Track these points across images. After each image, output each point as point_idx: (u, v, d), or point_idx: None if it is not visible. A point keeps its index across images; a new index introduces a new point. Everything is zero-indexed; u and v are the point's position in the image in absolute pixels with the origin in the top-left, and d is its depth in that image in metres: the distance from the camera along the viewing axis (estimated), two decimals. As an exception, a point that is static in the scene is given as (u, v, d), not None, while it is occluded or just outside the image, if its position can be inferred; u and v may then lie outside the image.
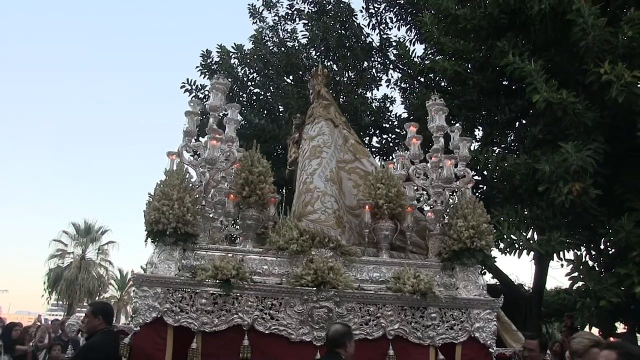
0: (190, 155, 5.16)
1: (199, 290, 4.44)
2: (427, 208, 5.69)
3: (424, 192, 5.73)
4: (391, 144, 12.22)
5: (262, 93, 12.86)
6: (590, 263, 8.73)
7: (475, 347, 4.75)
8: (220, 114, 5.49)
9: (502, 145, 11.83)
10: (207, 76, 12.63)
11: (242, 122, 10.78)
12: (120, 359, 4.42)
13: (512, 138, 11.92)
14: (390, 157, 6.03)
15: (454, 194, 5.48)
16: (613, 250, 8.75)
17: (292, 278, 4.56)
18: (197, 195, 4.75)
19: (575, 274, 8.36)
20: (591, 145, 8.00)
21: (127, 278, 40.78)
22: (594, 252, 9.12)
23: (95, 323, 4.69)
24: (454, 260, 5.00)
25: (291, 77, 13.00)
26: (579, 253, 8.74)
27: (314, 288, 4.51)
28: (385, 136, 12.75)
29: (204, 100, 9.44)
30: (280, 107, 12.43)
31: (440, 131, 5.63)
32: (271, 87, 12.62)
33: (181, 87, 12.47)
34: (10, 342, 7.88)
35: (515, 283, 12.56)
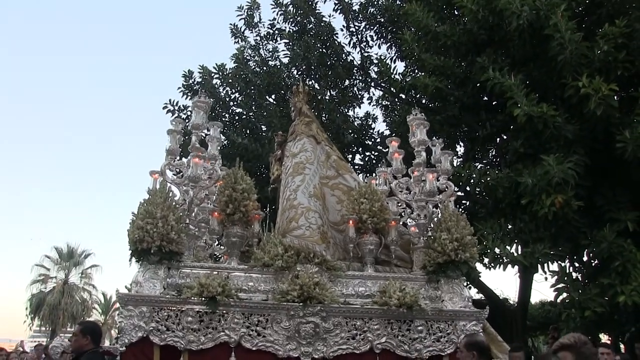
0: (173, 174, 5.16)
1: (185, 309, 4.43)
2: (410, 222, 5.74)
3: (407, 207, 5.77)
4: (374, 161, 12.26)
5: (245, 112, 12.88)
6: (574, 275, 8.82)
7: None
8: (203, 133, 5.51)
9: (484, 161, 11.94)
10: (189, 97, 12.64)
11: (225, 141, 10.80)
12: None
13: (493, 153, 12.03)
14: (373, 174, 6.06)
15: (437, 207, 5.52)
16: (596, 261, 8.85)
17: (278, 294, 4.56)
18: (181, 214, 4.74)
19: (560, 285, 8.44)
20: (572, 158, 8.12)
21: (111, 302, 40.19)
22: (577, 264, 9.20)
23: (83, 342, 4.62)
24: (439, 273, 5.03)
25: (273, 96, 13.04)
26: (562, 264, 8.82)
27: (300, 304, 4.50)
28: (368, 153, 12.81)
29: (186, 120, 9.46)
30: (262, 126, 12.45)
31: (422, 145, 5.69)
32: (253, 107, 12.65)
33: (163, 108, 12.47)
34: None
35: (500, 297, 12.61)
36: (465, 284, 5.25)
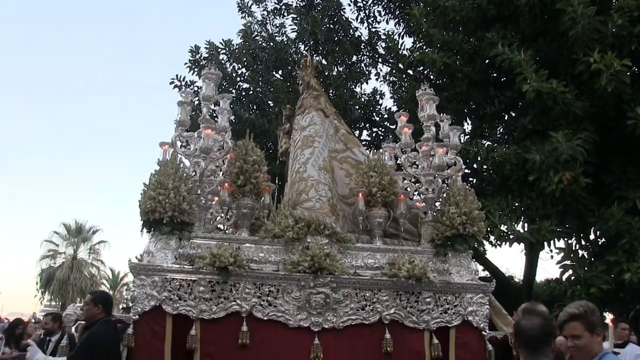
0: (182, 146, 5.17)
1: (197, 278, 4.47)
2: (417, 197, 5.76)
3: (413, 182, 5.79)
4: (381, 137, 12.27)
5: (252, 88, 12.87)
6: (580, 252, 8.85)
7: (469, 330, 4.83)
8: (212, 106, 5.51)
9: (492, 138, 11.92)
10: (196, 72, 12.63)
11: (232, 117, 10.80)
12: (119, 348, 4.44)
13: (501, 130, 12.02)
14: (380, 149, 6.07)
15: (445, 182, 5.53)
16: (603, 239, 8.87)
17: (289, 265, 4.60)
18: (192, 185, 4.76)
19: (566, 262, 8.48)
20: (581, 135, 8.11)
21: (119, 277, 40.71)
22: (583, 241, 9.22)
23: (94, 312, 4.68)
24: (447, 247, 5.06)
25: (280, 72, 13.02)
26: (569, 242, 8.85)
27: (311, 274, 4.56)
28: (375, 129, 12.82)
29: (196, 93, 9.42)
30: (269, 101, 12.45)
31: (431, 120, 5.68)
32: (260, 82, 12.63)
33: (170, 83, 12.47)
34: (14, 338, 7.97)
35: (506, 275, 12.68)
36: (472, 256, 5.27)
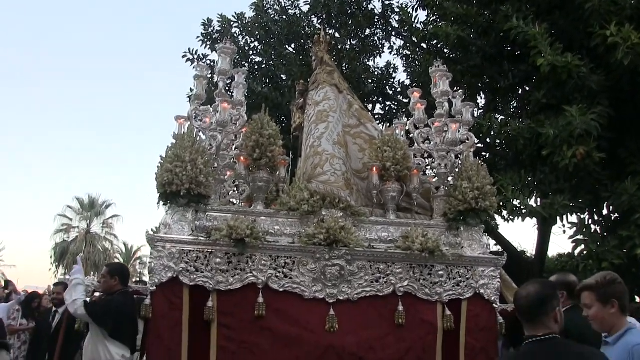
0: (198, 120, 5.21)
1: (214, 250, 4.55)
2: (429, 172, 5.79)
3: (425, 158, 5.82)
4: (394, 111, 12.25)
5: (264, 61, 12.82)
6: (593, 227, 8.86)
7: (480, 303, 4.89)
8: (227, 80, 5.54)
9: (505, 112, 11.85)
10: (209, 46, 12.60)
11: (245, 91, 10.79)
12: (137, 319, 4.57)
13: (515, 105, 11.94)
14: (386, 125, 6.09)
15: (458, 157, 5.55)
16: (616, 214, 8.87)
17: (305, 237, 4.66)
18: (209, 158, 4.81)
19: (579, 237, 8.50)
20: (595, 109, 8.05)
21: (132, 251, 41.26)
22: (596, 216, 9.22)
23: (112, 284, 4.81)
24: (459, 221, 5.10)
25: (293, 45, 12.95)
26: (582, 216, 8.86)
27: (327, 247, 4.62)
28: (388, 103, 12.78)
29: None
30: (282, 75, 12.41)
31: (445, 96, 5.68)
32: (273, 56, 12.58)
33: (183, 57, 12.46)
34: (30, 311, 8.17)
35: (518, 250, 12.71)
36: (484, 231, 5.32)
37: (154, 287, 4.45)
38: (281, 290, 4.57)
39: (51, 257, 37.07)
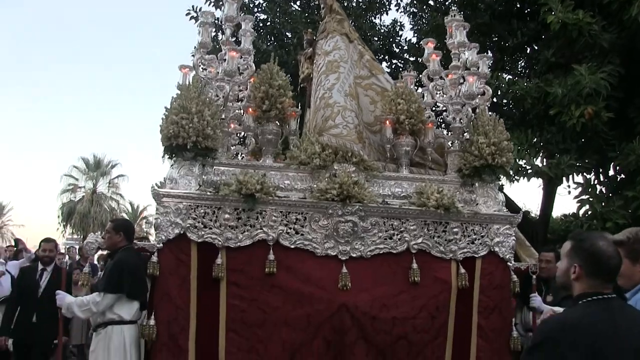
0: (203, 69, 4.96)
1: (222, 206, 4.38)
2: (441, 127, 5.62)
3: (436, 111, 5.65)
4: (401, 69, 11.99)
5: (269, 19, 12.48)
6: (599, 187, 8.78)
7: (495, 261, 4.79)
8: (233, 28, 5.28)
9: (512, 72, 11.64)
10: (212, 3, 12.24)
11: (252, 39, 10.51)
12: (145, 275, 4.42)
13: (522, 64, 11.72)
14: (400, 77, 5.86)
15: (474, 111, 5.37)
16: (622, 174, 8.78)
17: (317, 192, 4.50)
18: (216, 109, 4.59)
19: (584, 197, 8.41)
20: (606, 68, 7.86)
21: (139, 211, 41.32)
22: (602, 176, 9.14)
23: (116, 240, 4.65)
24: (475, 177, 4.96)
25: (298, 2, 12.64)
26: (588, 176, 8.77)
27: (339, 202, 4.46)
28: (394, 61, 12.54)
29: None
30: (287, 33, 12.09)
31: (461, 47, 5.46)
32: (278, 13, 12.23)
33: (187, 15, 12.10)
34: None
35: (522, 210, 12.66)
36: (499, 187, 5.18)
37: (161, 244, 4.30)
38: (292, 247, 4.43)
39: (58, 216, 37.05)
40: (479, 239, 4.79)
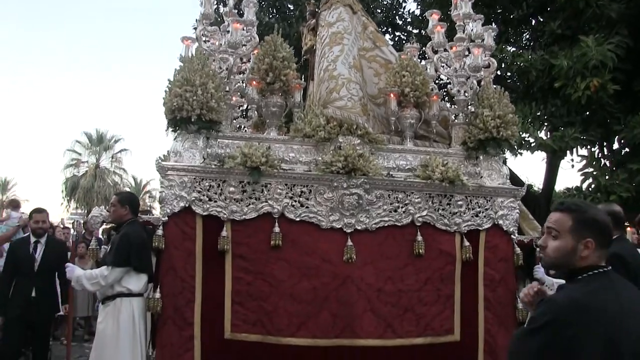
0: (205, 41, 4.90)
1: (227, 179, 4.37)
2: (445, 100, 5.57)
3: (439, 84, 5.59)
4: (404, 41, 11.87)
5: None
6: (603, 161, 8.76)
7: (498, 233, 4.80)
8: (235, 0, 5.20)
9: (517, 44, 11.52)
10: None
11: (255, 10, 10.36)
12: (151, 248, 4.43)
13: (527, 36, 11.58)
14: (404, 49, 5.79)
15: (479, 84, 5.32)
16: (626, 147, 8.75)
17: (322, 165, 4.48)
18: (220, 82, 4.54)
19: (588, 170, 8.41)
20: (613, 39, 7.78)
21: (142, 185, 41.50)
22: (606, 150, 9.11)
23: (122, 213, 4.65)
24: (479, 150, 4.93)
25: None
26: (592, 149, 8.75)
27: (345, 175, 4.44)
28: (397, 33, 12.38)
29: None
30: (289, 5, 11.93)
31: (467, 19, 5.39)
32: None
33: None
34: None
35: (525, 184, 12.64)
36: (504, 160, 5.16)
37: (166, 218, 4.29)
38: (297, 219, 4.42)
39: (62, 191, 37.44)
40: (483, 212, 4.79)
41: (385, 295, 4.45)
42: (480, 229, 4.76)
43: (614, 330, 1.95)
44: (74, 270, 4.57)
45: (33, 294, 5.73)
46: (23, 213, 8.44)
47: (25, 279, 5.78)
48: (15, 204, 8.94)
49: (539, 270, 4.83)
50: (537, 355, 2.00)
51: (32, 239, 6.06)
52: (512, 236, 4.83)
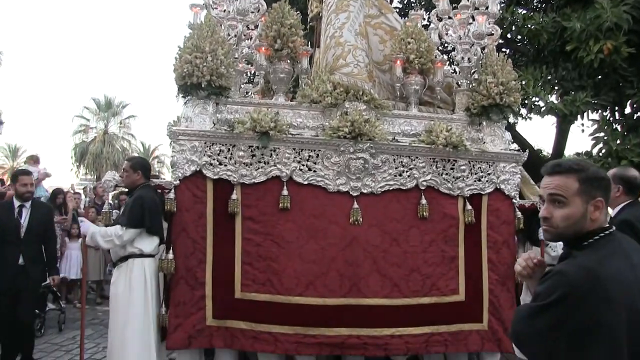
0: (214, 8, 4.97)
1: (237, 143, 4.51)
2: (447, 67, 5.59)
3: (443, 51, 5.62)
4: (413, 4, 11.71)
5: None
6: (614, 125, 8.70)
7: (500, 198, 4.92)
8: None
9: (528, 6, 11.30)
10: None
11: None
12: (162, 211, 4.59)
13: (538, -3, 11.36)
14: (408, 17, 5.80)
15: (483, 50, 5.35)
16: (639, 112, 8.68)
17: (329, 130, 4.60)
18: (229, 48, 4.64)
19: (599, 134, 8.37)
20: (629, 0, 7.63)
21: (150, 150, 41.74)
22: (618, 114, 9.04)
23: (134, 178, 4.75)
24: (482, 116, 5.02)
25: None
26: (603, 114, 8.69)
27: (351, 140, 4.57)
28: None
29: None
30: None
31: (471, -15, 5.39)
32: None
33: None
34: (56, 206, 8.22)
35: (535, 148, 12.62)
36: (506, 126, 5.23)
37: (177, 181, 4.46)
38: (305, 183, 4.57)
39: (72, 157, 37.82)
40: (485, 177, 4.91)
41: (391, 256, 4.61)
42: (483, 193, 4.88)
43: (634, 298, 1.80)
44: (88, 227, 4.68)
45: (21, 261, 5.29)
46: (44, 168, 8.61)
47: (10, 246, 5.31)
48: (34, 159, 9.08)
49: (542, 231, 4.92)
50: (550, 334, 1.80)
51: (16, 204, 5.48)
52: (514, 200, 4.95)
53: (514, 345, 1.85)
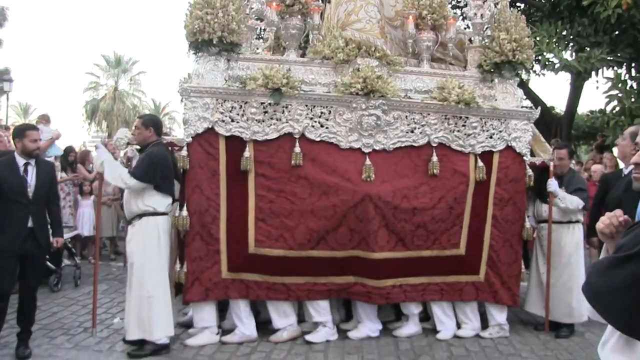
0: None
1: (249, 100, 4.51)
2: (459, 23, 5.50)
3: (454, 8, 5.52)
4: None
5: None
6: (629, 82, 8.58)
7: (511, 155, 4.94)
8: None
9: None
10: None
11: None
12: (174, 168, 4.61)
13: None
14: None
15: (496, 6, 5.26)
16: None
17: (342, 86, 4.58)
18: (240, 4, 4.58)
19: (613, 92, 8.27)
20: (649, -48, 7.42)
21: (161, 107, 41.67)
22: (634, 71, 8.90)
23: (147, 135, 4.69)
24: (495, 72, 4.98)
25: None
26: (618, 71, 8.56)
27: (363, 96, 4.55)
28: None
29: None
30: None
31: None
32: None
33: None
34: (68, 164, 8.27)
35: (547, 106, 12.50)
36: (518, 83, 5.19)
37: (190, 139, 4.48)
38: (317, 139, 4.60)
39: (83, 114, 37.93)
40: (497, 134, 4.90)
41: (400, 212, 4.66)
42: (494, 150, 4.89)
43: None
44: (104, 153, 4.58)
45: (30, 224, 4.71)
46: (56, 129, 8.65)
47: (19, 207, 4.70)
48: (46, 119, 9.09)
49: (552, 183, 4.95)
50: (634, 287, 1.55)
51: (20, 162, 4.77)
52: (525, 158, 4.95)
53: (587, 302, 1.55)
